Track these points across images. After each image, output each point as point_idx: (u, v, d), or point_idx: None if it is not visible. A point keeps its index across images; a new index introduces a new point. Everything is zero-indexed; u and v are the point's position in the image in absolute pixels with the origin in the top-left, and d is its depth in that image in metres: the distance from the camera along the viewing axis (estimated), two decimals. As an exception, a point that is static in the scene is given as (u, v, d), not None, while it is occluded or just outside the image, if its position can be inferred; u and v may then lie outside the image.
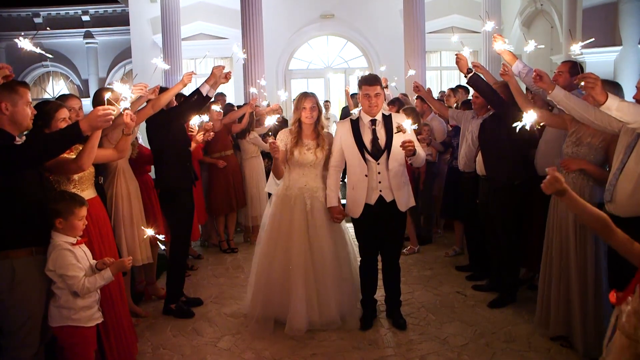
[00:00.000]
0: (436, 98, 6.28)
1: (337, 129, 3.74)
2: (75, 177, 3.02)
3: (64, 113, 2.99)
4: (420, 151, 3.57)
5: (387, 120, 3.59)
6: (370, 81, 3.53)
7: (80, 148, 2.85)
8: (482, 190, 4.27)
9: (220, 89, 4.96)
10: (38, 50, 2.53)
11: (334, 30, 12.20)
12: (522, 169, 3.92)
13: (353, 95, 7.84)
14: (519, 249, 4.07)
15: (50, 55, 2.52)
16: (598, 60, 7.47)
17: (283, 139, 3.72)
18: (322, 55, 12.54)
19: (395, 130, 3.45)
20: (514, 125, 2.54)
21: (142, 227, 3.11)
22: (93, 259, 2.81)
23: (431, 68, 12.21)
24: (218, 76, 3.93)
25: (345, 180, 3.89)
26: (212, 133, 5.12)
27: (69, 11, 14.67)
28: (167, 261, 4.13)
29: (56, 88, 15.23)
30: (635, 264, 1.87)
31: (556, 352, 3.31)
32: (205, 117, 4.80)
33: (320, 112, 3.74)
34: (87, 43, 14.60)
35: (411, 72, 7.79)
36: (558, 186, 1.98)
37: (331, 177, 3.72)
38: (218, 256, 5.65)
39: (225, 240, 5.88)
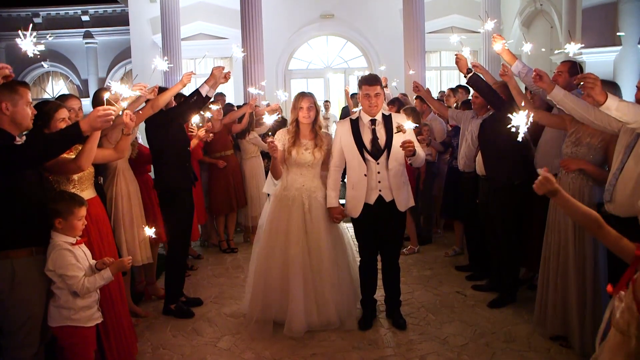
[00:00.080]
0: (436, 98, 6.28)
1: (337, 129, 3.75)
2: (75, 177, 3.02)
3: (63, 113, 2.99)
4: (420, 151, 3.57)
5: (387, 120, 3.59)
6: (370, 81, 3.53)
7: (80, 148, 2.85)
8: (482, 190, 4.28)
9: (220, 89, 4.97)
10: (36, 50, 2.53)
11: (333, 30, 12.20)
12: (522, 169, 3.92)
13: (353, 95, 7.84)
14: (518, 249, 4.07)
15: (38, 54, 2.51)
16: (597, 60, 7.47)
17: (281, 139, 3.72)
18: (322, 56, 12.54)
19: (395, 130, 3.45)
20: (508, 126, 2.54)
21: (143, 227, 3.11)
22: (93, 259, 2.81)
23: (431, 68, 12.22)
24: (218, 77, 3.94)
25: (345, 180, 3.89)
26: (211, 134, 5.13)
27: (69, 11, 14.67)
28: (166, 261, 4.12)
29: (56, 88, 15.23)
30: (626, 261, 1.89)
31: (556, 352, 3.32)
32: (207, 114, 4.80)
33: (317, 112, 3.74)
34: (86, 43, 14.61)
35: (410, 72, 7.79)
36: (549, 186, 2.01)
37: (331, 177, 3.72)
38: (218, 256, 5.66)
39: (225, 240, 5.89)
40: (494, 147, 4.03)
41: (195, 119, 4.61)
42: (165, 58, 4.04)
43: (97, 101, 3.45)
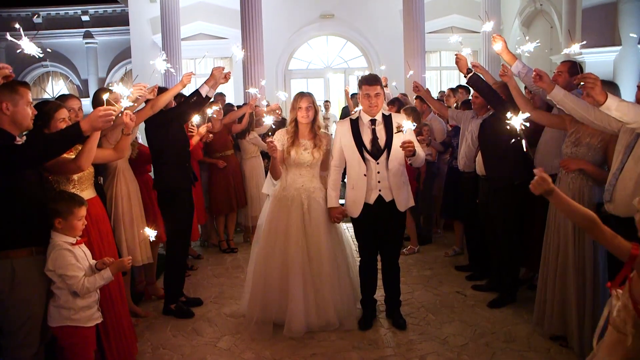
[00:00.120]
0: (436, 98, 6.28)
1: (337, 129, 3.75)
2: (75, 177, 3.02)
3: (63, 113, 2.98)
4: (420, 151, 3.57)
5: (387, 120, 3.60)
6: (370, 81, 3.53)
7: (80, 148, 2.85)
8: (482, 190, 4.28)
9: (220, 89, 4.97)
10: (34, 51, 2.52)
11: (333, 30, 12.20)
12: (522, 169, 3.92)
13: (353, 95, 7.85)
14: (519, 249, 4.07)
15: (40, 55, 2.50)
16: (597, 60, 7.46)
17: (280, 139, 3.71)
18: (322, 56, 12.54)
19: (395, 130, 3.45)
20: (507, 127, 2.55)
21: (144, 228, 3.11)
22: (93, 259, 2.81)
23: (431, 68, 12.21)
24: (217, 77, 3.94)
25: (345, 180, 3.89)
26: (210, 135, 5.13)
27: (69, 11, 14.67)
28: (166, 261, 4.12)
29: (56, 88, 15.22)
30: (621, 259, 1.91)
31: (556, 352, 3.32)
32: (209, 110, 4.81)
33: (316, 112, 3.74)
34: (86, 43, 14.60)
35: (410, 73, 7.80)
36: (545, 186, 2.04)
37: (332, 177, 3.72)
38: (218, 256, 5.66)
39: (225, 240, 5.89)
40: (494, 147, 4.03)
41: (195, 118, 4.61)
42: (163, 52, 4.03)
43: (97, 101, 3.45)
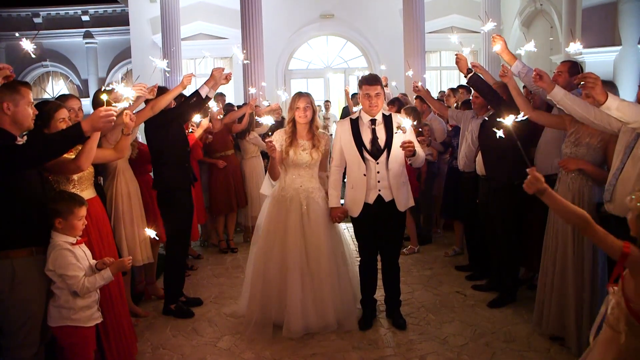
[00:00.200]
0: (436, 98, 6.29)
1: (337, 129, 3.75)
2: (75, 177, 3.03)
3: (63, 113, 2.99)
4: (420, 152, 3.57)
5: (387, 120, 3.60)
6: (370, 81, 3.53)
7: (80, 148, 2.85)
8: (482, 190, 4.28)
9: (220, 89, 4.97)
10: (30, 48, 2.52)
11: (333, 30, 12.20)
12: (522, 169, 3.90)
13: (353, 95, 7.85)
14: (518, 249, 4.07)
15: (34, 56, 2.50)
16: (597, 60, 7.47)
17: (278, 139, 3.71)
18: (322, 55, 12.54)
19: (395, 130, 3.45)
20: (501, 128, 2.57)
21: (144, 228, 3.11)
22: (93, 259, 2.81)
23: (431, 68, 12.21)
24: (217, 78, 3.94)
25: (345, 180, 3.89)
26: (210, 136, 5.14)
27: (69, 11, 14.67)
28: (166, 261, 4.12)
29: (56, 88, 15.22)
30: (614, 257, 1.92)
31: (556, 352, 3.32)
32: (212, 104, 4.83)
33: (314, 112, 3.73)
34: (86, 43, 14.60)
35: (409, 73, 7.80)
36: (539, 185, 2.06)
37: (332, 177, 3.72)
38: (218, 256, 5.66)
39: (225, 240, 5.89)
40: (494, 147, 4.02)
41: (196, 118, 4.62)
42: (166, 61, 4.04)
43: (97, 101, 3.45)
